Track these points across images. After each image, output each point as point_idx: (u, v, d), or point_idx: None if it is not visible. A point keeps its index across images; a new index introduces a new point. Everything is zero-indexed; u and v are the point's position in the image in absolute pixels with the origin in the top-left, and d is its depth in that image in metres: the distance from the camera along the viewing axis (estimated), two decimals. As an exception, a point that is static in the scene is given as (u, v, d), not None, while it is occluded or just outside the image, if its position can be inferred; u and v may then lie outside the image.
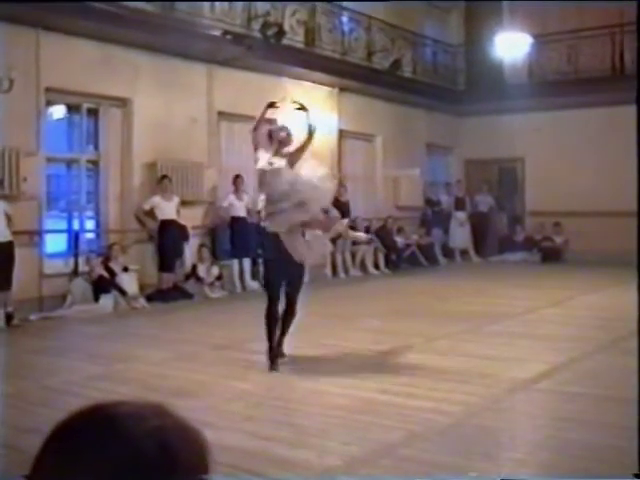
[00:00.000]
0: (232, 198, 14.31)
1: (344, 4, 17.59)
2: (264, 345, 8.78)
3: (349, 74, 16.95)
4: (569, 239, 19.88)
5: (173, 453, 1.16)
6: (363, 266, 17.23)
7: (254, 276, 14.72)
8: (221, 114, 14.94)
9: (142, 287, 12.66)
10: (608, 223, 19.38)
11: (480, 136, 21.60)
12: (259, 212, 14.75)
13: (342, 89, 17.60)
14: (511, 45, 18.12)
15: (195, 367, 7.74)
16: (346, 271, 16.59)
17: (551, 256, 19.73)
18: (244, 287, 14.32)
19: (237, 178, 14.44)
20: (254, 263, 14.82)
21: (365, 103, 18.47)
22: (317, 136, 16.70)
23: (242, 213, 14.37)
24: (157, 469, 1.14)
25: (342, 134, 17.77)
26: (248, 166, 15.66)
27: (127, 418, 1.17)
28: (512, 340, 9.14)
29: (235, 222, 14.32)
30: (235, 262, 14.29)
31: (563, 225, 20.03)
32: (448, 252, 20.41)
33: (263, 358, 8.00)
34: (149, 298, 12.53)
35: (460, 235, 20.47)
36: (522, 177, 21.80)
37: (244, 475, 4.64)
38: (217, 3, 14.14)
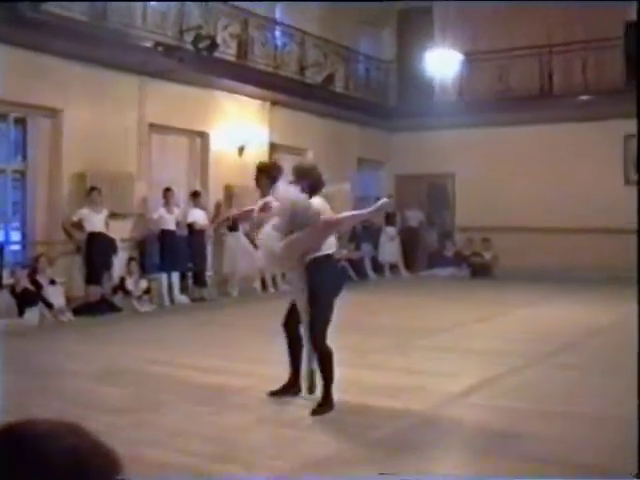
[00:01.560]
0: (162, 211, 14.23)
1: (277, 18, 17.68)
2: (194, 360, 8.75)
3: (281, 88, 16.99)
4: (498, 255, 20.18)
5: (86, 471, 1.18)
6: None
7: (183, 290, 14.66)
8: (152, 126, 14.85)
9: (69, 300, 12.48)
10: (537, 239, 19.77)
11: (411, 151, 21.83)
12: (190, 225, 14.75)
13: (274, 103, 17.64)
14: (442, 62, 18.41)
15: (124, 382, 7.65)
16: (275, 286, 16.58)
17: (480, 271, 20.00)
18: (172, 301, 14.22)
19: (167, 191, 14.37)
20: (183, 277, 14.76)
21: (297, 117, 18.53)
22: (248, 150, 16.86)
23: (172, 226, 14.30)
24: None
25: (273, 148, 17.79)
26: (179, 179, 15.69)
27: (41, 437, 1.18)
28: (442, 354, 9.23)
29: (165, 235, 14.24)
30: (164, 276, 14.20)
31: (492, 241, 20.32)
32: (378, 267, 20.53)
33: (193, 373, 7.97)
34: (76, 311, 12.35)
35: (390, 250, 20.60)
36: (452, 193, 22.08)
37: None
38: (149, 14, 14.06)
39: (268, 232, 6.56)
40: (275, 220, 6.54)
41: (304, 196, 6.54)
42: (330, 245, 6.68)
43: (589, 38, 18.43)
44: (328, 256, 6.63)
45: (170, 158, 15.67)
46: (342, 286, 6.80)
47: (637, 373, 3.33)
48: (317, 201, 6.60)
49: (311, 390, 6.70)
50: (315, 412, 6.36)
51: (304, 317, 6.56)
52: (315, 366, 6.60)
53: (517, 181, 20.40)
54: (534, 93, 19.56)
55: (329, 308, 6.54)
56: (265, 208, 6.69)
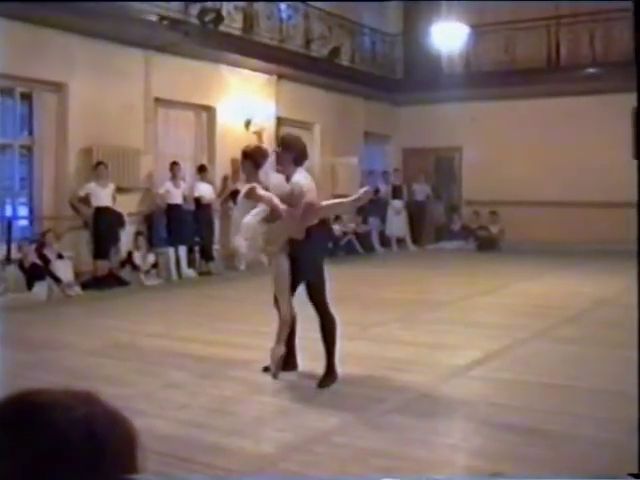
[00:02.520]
0: (169, 185, 14.23)
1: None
2: (200, 333, 8.78)
3: (287, 62, 16.91)
4: (504, 228, 20.15)
5: (101, 441, 1.15)
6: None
7: (190, 264, 14.69)
8: (158, 100, 14.81)
9: (77, 274, 12.51)
10: (544, 212, 19.72)
11: (418, 125, 21.74)
12: (197, 199, 14.76)
13: (280, 77, 17.55)
14: (448, 35, 18.25)
15: (129, 355, 7.68)
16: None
17: (487, 245, 19.97)
18: (180, 275, 14.24)
19: (174, 165, 14.36)
20: (190, 251, 14.79)
21: (303, 91, 18.46)
22: (255, 124, 16.80)
23: (178, 200, 14.30)
24: (84, 458, 1.13)
25: (280, 122, 17.72)
26: (185, 153, 15.67)
27: (53, 406, 1.15)
28: (446, 327, 9.24)
29: (171, 209, 14.24)
30: (171, 250, 14.21)
31: (499, 214, 20.29)
32: (385, 240, 20.52)
33: (199, 346, 7.99)
34: (84, 286, 12.38)
35: (397, 224, 20.59)
36: (459, 166, 22.01)
37: (175, 462, 4.64)
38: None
39: (249, 220, 6.58)
40: (261, 207, 6.54)
41: (311, 184, 6.52)
42: None
43: (597, 9, 18.25)
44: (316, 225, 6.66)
45: (176, 132, 15.64)
46: (328, 246, 6.99)
47: (637, 348, 3.32)
48: (302, 177, 6.54)
49: (276, 375, 6.67)
50: (321, 384, 6.38)
51: (284, 297, 6.62)
52: (281, 350, 6.67)
53: (524, 155, 20.31)
54: (541, 65, 19.42)
55: (323, 271, 6.63)
56: (251, 194, 6.63)
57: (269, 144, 16.46)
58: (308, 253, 6.54)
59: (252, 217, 6.58)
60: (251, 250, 6.81)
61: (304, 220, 6.45)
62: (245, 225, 6.62)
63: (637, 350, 3.39)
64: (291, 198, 6.44)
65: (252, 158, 6.88)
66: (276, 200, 6.43)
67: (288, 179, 6.57)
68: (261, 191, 6.55)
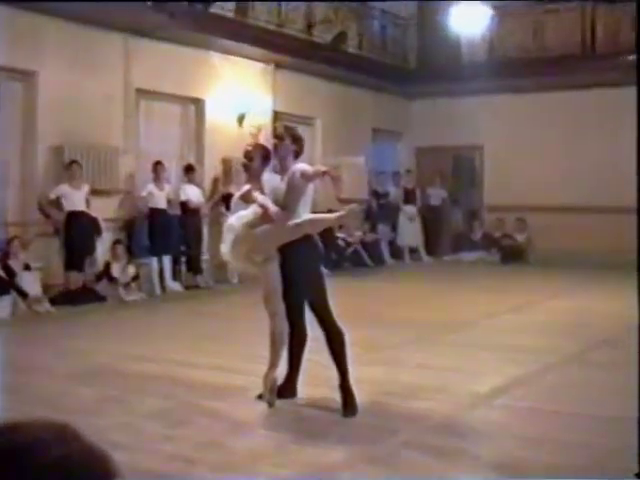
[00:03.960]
0: (151, 187, 14.22)
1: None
2: (186, 356, 8.75)
3: (286, 48, 16.92)
4: (532, 237, 20.13)
5: None
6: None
7: (176, 276, 14.70)
8: (140, 92, 14.82)
9: (46, 288, 12.45)
10: (576, 219, 19.66)
11: (433, 121, 21.74)
12: (183, 203, 14.78)
13: (278, 65, 17.58)
14: (469, 18, 18.22)
15: (107, 381, 7.65)
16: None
17: (512, 256, 19.95)
18: (164, 289, 14.25)
19: (157, 165, 14.36)
20: (176, 262, 14.79)
21: (304, 82, 18.49)
22: (249, 118, 16.85)
23: (162, 204, 14.30)
24: None
25: (277, 116, 17.73)
26: (170, 151, 15.69)
27: (27, 448, 1.15)
28: (467, 350, 9.21)
29: (154, 214, 14.24)
30: (154, 260, 14.21)
31: (526, 221, 20.25)
32: (396, 251, 20.52)
33: (184, 371, 7.97)
34: (54, 301, 12.35)
35: (409, 231, 20.59)
36: (480, 167, 22.01)
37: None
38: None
39: (231, 222, 6.64)
40: (251, 209, 6.59)
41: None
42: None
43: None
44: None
45: (160, 128, 15.65)
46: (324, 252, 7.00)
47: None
48: (303, 164, 6.72)
49: (271, 403, 6.63)
50: (346, 413, 6.35)
51: (276, 311, 6.60)
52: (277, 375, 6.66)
53: (555, 154, 20.29)
54: (574, 52, 19.37)
55: (324, 279, 6.74)
56: (247, 196, 6.70)
57: (264, 142, 16.53)
58: (306, 259, 6.58)
59: (237, 219, 6.63)
60: (235, 258, 6.81)
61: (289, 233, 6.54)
62: (227, 228, 6.68)
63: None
64: (287, 197, 6.52)
65: (258, 159, 6.99)
66: (269, 202, 6.49)
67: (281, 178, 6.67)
68: (257, 194, 6.60)
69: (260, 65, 17.24)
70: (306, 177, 6.50)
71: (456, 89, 20.66)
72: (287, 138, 6.76)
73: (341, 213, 6.76)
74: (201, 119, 16.23)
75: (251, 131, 16.62)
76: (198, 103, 16.17)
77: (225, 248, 6.77)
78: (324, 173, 6.39)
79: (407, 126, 22.39)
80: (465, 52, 21.01)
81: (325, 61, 17.97)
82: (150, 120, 15.39)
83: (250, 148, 7.19)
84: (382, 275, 17.80)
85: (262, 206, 6.49)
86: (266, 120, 17.11)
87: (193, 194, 14.98)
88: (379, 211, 20.23)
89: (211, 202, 15.51)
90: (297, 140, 6.81)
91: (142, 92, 14.91)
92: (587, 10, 19.34)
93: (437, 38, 20.68)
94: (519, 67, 19.51)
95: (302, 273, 6.56)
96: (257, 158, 7.01)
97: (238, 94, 16.61)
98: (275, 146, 6.84)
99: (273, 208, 6.44)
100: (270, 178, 6.83)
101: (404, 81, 20.93)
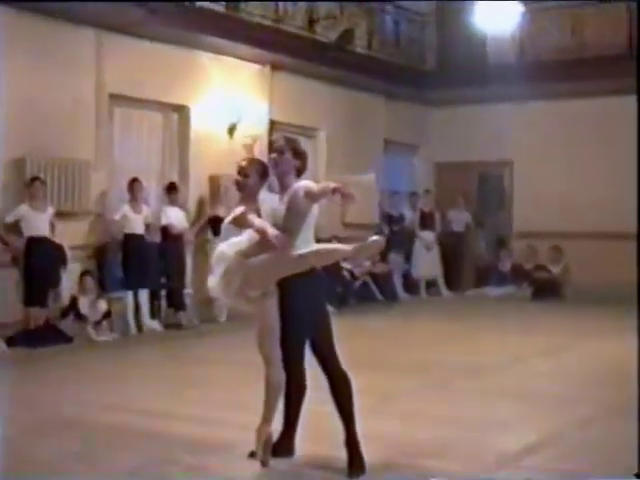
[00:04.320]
0: (127, 209, 14.22)
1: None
2: (164, 405, 8.73)
3: (284, 48, 16.98)
4: (569, 268, 20.09)
5: None
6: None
7: (154, 313, 14.70)
8: (114, 97, 14.86)
9: (2, 327, 12.47)
10: (621, 248, 19.57)
11: (455, 132, 21.78)
12: (164, 228, 14.79)
13: (275, 67, 17.67)
14: (497, 14, 18.28)
15: (72, 434, 7.62)
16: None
17: (546, 290, 19.87)
18: (140, 328, 14.26)
19: (134, 183, 14.37)
20: (154, 296, 14.77)
21: (305, 86, 18.58)
22: (241, 129, 16.89)
23: (139, 229, 14.31)
24: None
25: (274, 126, 17.78)
26: (149, 167, 15.73)
27: None
28: (492, 399, 9.19)
29: (130, 241, 14.24)
30: (129, 295, 14.21)
31: (563, 250, 20.21)
32: (411, 284, 20.53)
33: (161, 423, 7.94)
34: (12, 341, 12.33)
35: (427, 262, 20.59)
36: (509, 187, 22.03)
37: None
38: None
39: (223, 250, 6.57)
40: (245, 235, 6.55)
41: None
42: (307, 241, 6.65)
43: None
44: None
45: (138, 140, 15.71)
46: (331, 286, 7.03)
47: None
48: (307, 181, 6.62)
49: (265, 462, 6.56)
50: (351, 473, 6.31)
51: (272, 356, 6.55)
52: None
53: (597, 171, 20.25)
54: (619, 52, 19.32)
55: (329, 316, 6.73)
56: (241, 220, 6.64)
57: (260, 155, 16.55)
58: (307, 296, 6.54)
59: (228, 247, 6.57)
60: (226, 293, 6.75)
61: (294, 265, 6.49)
62: (217, 257, 6.61)
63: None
64: (288, 220, 6.47)
65: (254, 176, 6.93)
66: (267, 225, 6.42)
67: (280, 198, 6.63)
68: (254, 217, 6.55)
69: (255, 67, 17.32)
70: (311, 196, 6.41)
71: (482, 95, 20.71)
72: (288, 152, 6.67)
73: (359, 246, 6.48)
74: (186, 129, 16.28)
75: (245, 143, 16.69)
76: (182, 111, 16.23)
77: (213, 281, 6.69)
78: (334, 190, 6.25)
79: (425, 138, 22.44)
80: (492, 53, 21.06)
81: (329, 62, 18.03)
82: (126, 130, 15.45)
83: (244, 163, 7.10)
84: (394, 312, 17.78)
85: (260, 231, 6.39)
86: (261, 131, 17.17)
87: (175, 217, 15.01)
88: (392, 238, 20.15)
89: (196, 227, 15.54)
90: (299, 155, 6.71)
91: (117, 97, 14.95)
92: (633, 4, 19.35)
93: (459, 37, 20.76)
94: (554, 70, 19.50)
95: (304, 311, 6.50)
96: (253, 175, 6.92)
97: (229, 101, 16.67)
98: (274, 161, 6.79)
99: (273, 232, 6.38)
100: (267, 198, 6.77)
101: (421, 85, 20.98)
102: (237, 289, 6.56)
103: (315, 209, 6.54)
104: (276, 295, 6.53)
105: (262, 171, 6.98)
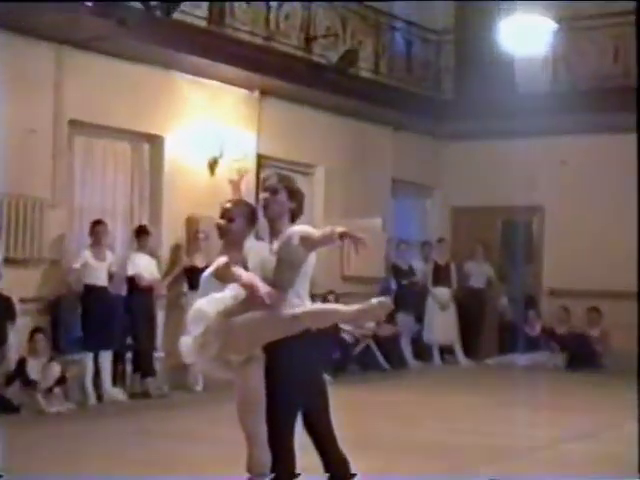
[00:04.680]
0: (88, 256, 14.15)
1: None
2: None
3: (276, 70, 16.98)
4: (609, 333, 20.01)
5: None
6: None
7: (117, 380, 14.64)
8: (75, 124, 14.84)
9: None
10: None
11: (476, 172, 21.79)
12: (131, 278, 14.72)
13: (265, 92, 17.69)
14: (526, 33, 18.31)
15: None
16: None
17: (582, 359, 19.82)
18: (100, 397, 14.16)
19: (98, 225, 14.30)
20: (118, 359, 14.68)
21: (300, 116, 18.61)
22: (224, 164, 16.89)
23: (102, 280, 14.28)
24: None
25: (262, 162, 17.76)
26: (115, 207, 15.66)
27: None
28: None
29: (91, 294, 14.19)
30: (88, 357, 14.10)
31: (601, 312, 20.15)
32: (422, 350, 20.48)
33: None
34: (-53, 411, 12.28)
35: (441, 324, 20.54)
36: (539, 236, 22.02)
37: None
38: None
39: (201, 307, 6.46)
40: (230, 292, 6.43)
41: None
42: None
43: None
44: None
45: (103, 175, 15.67)
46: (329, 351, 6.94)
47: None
48: (303, 226, 6.53)
49: None
50: None
51: (256, 433, 6.46)
52: None
53: (641, 219, 20.25)
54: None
55: (326, 387, 6.72)
56: (225, 271, 6.53)
57: (246, 196, 16.51)
58: (299, 362, 6.43)
59: (208, 303, 6.46)
60: (202, 357, 6.65)
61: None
62: (194, 315, 6.50)
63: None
64: (280, 272, 6.38)
65: (241, 220, 6.85)
66: (258, 281, 6.31)
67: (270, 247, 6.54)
68: (239, 269, 6.45)
69: (241, 92, 17.35)
70: (310, 243, 6.32)
71: (507, 128, 20.73)
72: (281, 192, 6.64)
73: (363, 307, 6.31)
74: (159, 163, 16.25)
75: (231, 179, 16.57)
76: (155, 142, 16.19)
77: (187, 343, 6.60)
78: (342, 236, 6.14)
79: (440, 178, 22.48)
80: (520, 78, 21.08)
81: (329, 88, 18.05)
82: (89, 163, 15.42)
83: (229, 205, 7.00)
84: (402, 383, 17.69)
85: (247, 286, 6.29)
86: (247, 166, 17.11)
87: (145, 266, 14.94)
88: (400, 294, 20.14)
89: (170, 278, 15.51)
90: (295, 195, 6.68)
91: (78, 125, 14.94)
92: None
93: (481, 59, 20.79)
94: (594, 99, 19.50)
95: (295, 379, 6.39)
96: (239, 218, 6.84)
97: (210, 130, 16.67)
98: (265, 202, 6.71)
99: (264, 289, 6.26)
100: (254, 247, 6.70)
101: (436, 116, 20.98)
102: (216, 353, 6.45)
103: (312, 259, 6.47)
104: (262, 360, 6.44)
105: (250, 214, 6.92)
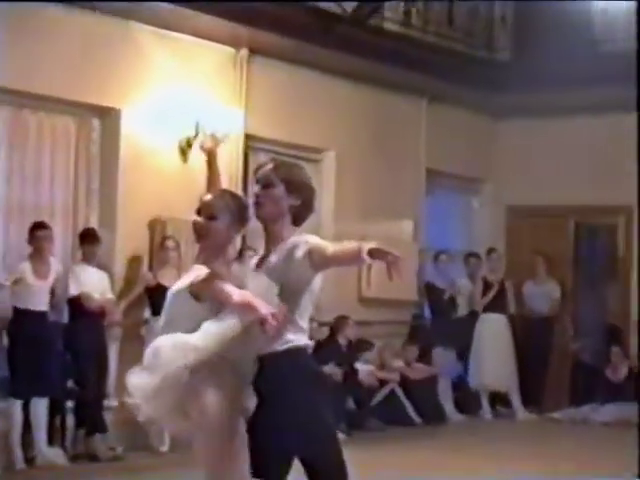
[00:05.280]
0: (26, 270, 14.07)
1: None
2: None
3: (270, 21, 16.98)
4: None
5: None
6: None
7: (53, 437, 14.57)
8: (3, 93, 14.83)
9: None
10: None
11: (540, 159, 21.74)
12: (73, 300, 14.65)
13: (255, 51, 17.67)
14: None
15: None
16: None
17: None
18: (31, 460, 14.09)
19: (38, 229, 14.17)
20: (56, 410, 14.60)
21: (303, 82, 18.59)
22: (199, 147, 16.85)
23: (42, 304, 14.24)
24: None
25: (251, 144, 17.69)
26: (53, 202, 15.58)
27: None
28: None
29: (22, 320, 14.12)
30: (15, 406, 14.03)
31: None
32: (466, 398, 20.45)
33: None
34: None
35: (493, 363, 20.50)
36: (626, 246, 21.92)
37: None
38: None
39: (162, 349, 6.41)
40: (226, 323, 6.36)
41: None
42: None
43: None
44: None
45: (37, 160, 15.59)
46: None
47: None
48: (309, 237, 6.46)
49: None
50: None
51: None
52: None
53: None
54: None
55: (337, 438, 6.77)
56: (208, 284, 6.46)
57: (232, 183, 16.46)
58: (300, 403, 6.44)
59: (173, 347, 6.41)
60: (161, 410, 6.60)
61: None
62: (152, 355, 6.45)
63: None
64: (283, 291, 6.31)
65: (225, 218, 6.75)
66: (256, 300, 6.16)
67: (262, 261, 6.50)
68: (228, 285, 6.36)
69: (224, 50, 17.33)
70: (323, 262, 6.30)
71: (583, 102, 20.69)
72: (278, 185, 6.57)
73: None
74: (113, 146, 16.17)
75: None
76: (108, 116, 16.14)
77: (140, 388, 6.57)
78: (374, 255, 6.00)
79: (491, 168, 22.44)
80: (600, 35, 21.04)
81: (343, 46, 18.03)
82: (17, 145, 15.38)
83: (210, 197, 6.92)
84: (438, 443, 17.60)
85: (241, 305, 6.20)
86: (231, 149, 17.05)
87: (93, 284, 14.87)
88: (437, 323, 20.12)
89: (127, 300, 15.42)
90: (299, 189, 6.64)
91: (7, 93, 14.91)
92: None
93: (549, 10, 20.73)
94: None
95: (290, 419, 6.43)
96: (223, 215, 6.75)
97: (182, 101, 16.60)
98: (257, 199, 6.61)
99: (266, 308, 6.10)
100: (235, 270, 6.68)
101: (487, 85, 21.00)
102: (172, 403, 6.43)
103: (318, 279, 6.47)
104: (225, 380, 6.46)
105: (238, 210, 6.80)
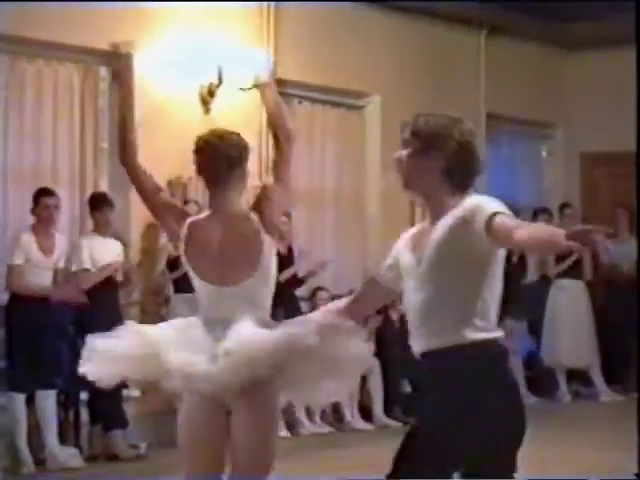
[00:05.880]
0: (28, 242, 14.16)
1: None
2: None
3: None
4: None
5: None
6: (337, 412, 17.23)
7: (66, 435, 14.67)
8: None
9: None
10: None
11: (621, 99, 21.73)
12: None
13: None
14: None
15: None
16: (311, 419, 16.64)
17: None
18: (41, 461, 14.22)
19: (44, 196, 14.29)
20: (68, 404, 14.70)
21: (341, 16, 18.65)
22: (224, 95, 16.97)
23: (45, 279, 14.35)
24: None
25: (284, 89, 17.77)
26: (57, 163, 15.67)
27: None
28: None
29: (24, 303, 14.26)
30: (17, 400, 14.17)
31: None
32: (540, 377, 20.52)
33: None
34: None
35: (570, 337, 20.55)
36: None
37: None
38: None
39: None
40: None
41: None
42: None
43: None
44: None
45: (37, 115, 15.69)
46: None
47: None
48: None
49: None
50: None
51: None
52: None
53: None
54: None
55: None
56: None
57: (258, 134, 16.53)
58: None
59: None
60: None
61: None
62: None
63: None
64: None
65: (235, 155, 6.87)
66: None
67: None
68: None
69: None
70: (507, 241, 6.26)
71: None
72: (416, 139, 6.38)
73: None
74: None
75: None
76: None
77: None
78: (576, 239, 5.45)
79: (563, 110, 22.44)
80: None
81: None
82: (17, 99, 15.54)
83: (215, 136, 7.04)
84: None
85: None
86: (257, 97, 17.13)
87: (109, 255, 14.98)
88: (503, 290, 20.08)
89: (147, 277, 15.49)
90: (442, 142, 6.33)
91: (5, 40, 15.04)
92: None
93: None
94: None
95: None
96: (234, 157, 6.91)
97: (202, 44, 16.69)
98: (399, 165, 6.55)
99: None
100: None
101: (557, 11, 20.95)
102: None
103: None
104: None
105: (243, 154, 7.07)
